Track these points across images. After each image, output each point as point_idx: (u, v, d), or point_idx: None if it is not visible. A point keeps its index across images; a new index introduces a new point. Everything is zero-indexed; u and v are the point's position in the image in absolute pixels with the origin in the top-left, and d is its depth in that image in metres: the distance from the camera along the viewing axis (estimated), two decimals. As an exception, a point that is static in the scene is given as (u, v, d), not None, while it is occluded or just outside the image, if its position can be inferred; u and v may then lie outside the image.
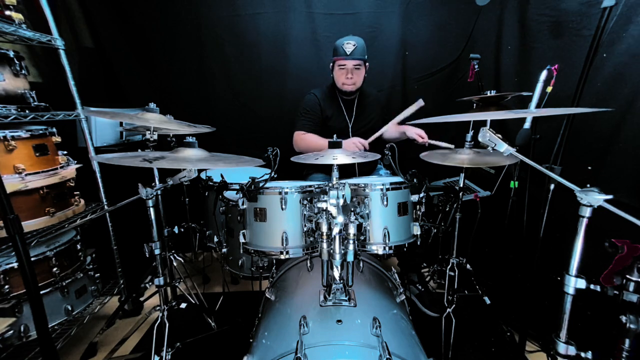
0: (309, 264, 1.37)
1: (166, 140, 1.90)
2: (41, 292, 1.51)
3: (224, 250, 1.95)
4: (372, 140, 2.01)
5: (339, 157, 1.22)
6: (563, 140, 1.43)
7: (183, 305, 1.81)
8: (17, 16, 1.53)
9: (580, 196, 0.87)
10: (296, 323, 0.99)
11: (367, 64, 2.09)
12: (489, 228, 1.94)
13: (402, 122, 2.04)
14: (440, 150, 1.64)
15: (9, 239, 1.02)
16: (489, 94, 1.47)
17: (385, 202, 1.28)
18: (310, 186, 1.33)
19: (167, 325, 1.47)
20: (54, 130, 1.68)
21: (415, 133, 2.02)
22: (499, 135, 1.01)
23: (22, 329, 1.45)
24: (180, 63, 2.57)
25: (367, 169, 2.23)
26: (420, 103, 1.91)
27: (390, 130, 2.12)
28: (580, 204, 0.89)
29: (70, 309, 1.66)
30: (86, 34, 2.41)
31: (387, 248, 1.28)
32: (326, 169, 2.11)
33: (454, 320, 1.57)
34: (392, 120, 2.03)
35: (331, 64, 2.11)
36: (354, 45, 1.99)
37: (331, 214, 1.08)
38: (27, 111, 1.56)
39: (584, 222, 0.90)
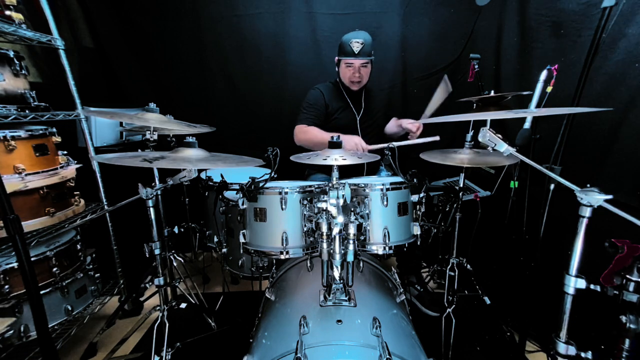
0: (309, 264, 1.37)
1: (166, 140, 1.90)
2: (41, 292, 1.51)
3: (224, 250, 1.95)
4: (373, 149, 1.94)
5: (339, 158, 1.22)
6: (563, 140, 1.43)
7: (183, 305, 1.80)
8: (17, 16, 1.53)
9: (580, 196, 0.87)
10: (296, 323, 0.99)
11: (372, 58, 2.07)
12: (489, 228, 1.94)
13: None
14: (440, 149, 1.64)
15: (9, 239, 1.02)
16: (488, 94, 1.47)
17: (385, 202, 1.28)
18: (310, 186, 1.33)
19: (167, 325, 1.47)
20: (54, 130, 1.68)
21: (409, 123, 2.01)
22: (499, 135, 1.01)
23: (22, 329, 1.45)
24: (180, 63, 2.57)
25: (371, 168, 2.23)
26: (435, 138, 1.86)
27: (390, 125, 2.16)
28: (580, 204, 0.88)
29: (70, 309, 1.66)
30: (86, 34, 2.41)
31: (387, 248, 1.27)
32: (327, 170, 2.08)
33: (454, 320, 1.57)
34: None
35: (336, 60, 2.10)
36: (361, 44, 1.95)
37: (331, 214, 1.08)
38: (27, 111, 1.55)
39: (584, 222, 0.90)
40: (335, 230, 1.03)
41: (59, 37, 1.75)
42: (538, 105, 1.49)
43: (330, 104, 2.12)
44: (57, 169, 1.66)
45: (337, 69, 2.14)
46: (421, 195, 1.36)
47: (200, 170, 2.03)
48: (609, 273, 0.89)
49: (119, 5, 2.41)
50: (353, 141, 1.92)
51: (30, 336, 1.47)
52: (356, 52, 1.96)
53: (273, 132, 2.66)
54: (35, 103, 1.61)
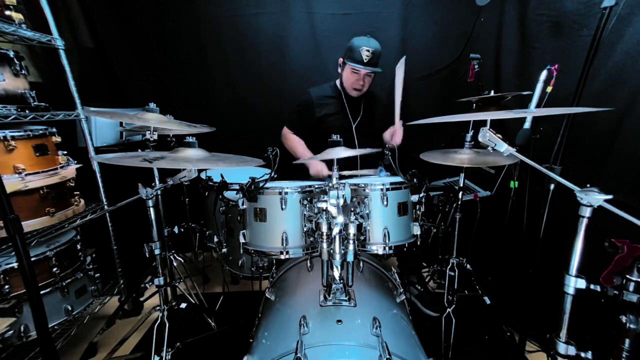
0: (309, 264, 1.37)
1: (166, 140, 1.90)
2: (41, 292, 1.51)
3: (224, 250, 1.95)
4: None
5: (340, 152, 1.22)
6: (563, 140, 1.43)
7: (183, 305, 1.80)
8: (17, 16, 1.53)
9: (580, 196, 0.87)
10: (296, 323, 0.99)
11: (379, 70, 2.01)
12: (489, 228, 1.94)
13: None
14: (441, 149, 1.64)
15: (9, 239, 1.02)
16: (488, 94, 1.47)
17: (385, 202, 1.28)
18: (310, 186, 1.33)
19: (167, 325, 1.47)
20: (54, 130, 1.68)
21: (394, 143, 2.01)
22: (499, 135, 1.01)
23: (22, 329, 1.45)
24: (180, 63, 2.57)
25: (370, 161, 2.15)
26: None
27: (387, 134, 2.18)
28: (580, 204, 0.88)
29: (70, 309, 1.66)
30: (86, 34, 2.41)
31: (387, 248, 1.27)
32: (328, 162, 2.01)
33: (454, 320, 1.57)
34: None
35: (341, 61, 2.06)
36: (372, 53, 1.89)
37: (331, 214, 1.08)
38: (27, 111, 1.55)
39: (584, 222, 0.90)
40: (335, 230, 1.03)
41: (59, 37, 1.75)
42: (538, 105, 1.49)
43: (320, 110, 2.11)
44: (57, 169, 1.66)
45: (339, 70, 2.10)
46: (421, 195, 1.36)
47: (200, 170, 2.03)
48: (609, 273, 0.89)
49: (119, 5, 2.41)
50: (316, 168, 1.99)
51: (30, 336, 1.47)
52: (365, 61, 1.91)
53: (273, 132, 2.63)
54: (35, 103, 1.61)
